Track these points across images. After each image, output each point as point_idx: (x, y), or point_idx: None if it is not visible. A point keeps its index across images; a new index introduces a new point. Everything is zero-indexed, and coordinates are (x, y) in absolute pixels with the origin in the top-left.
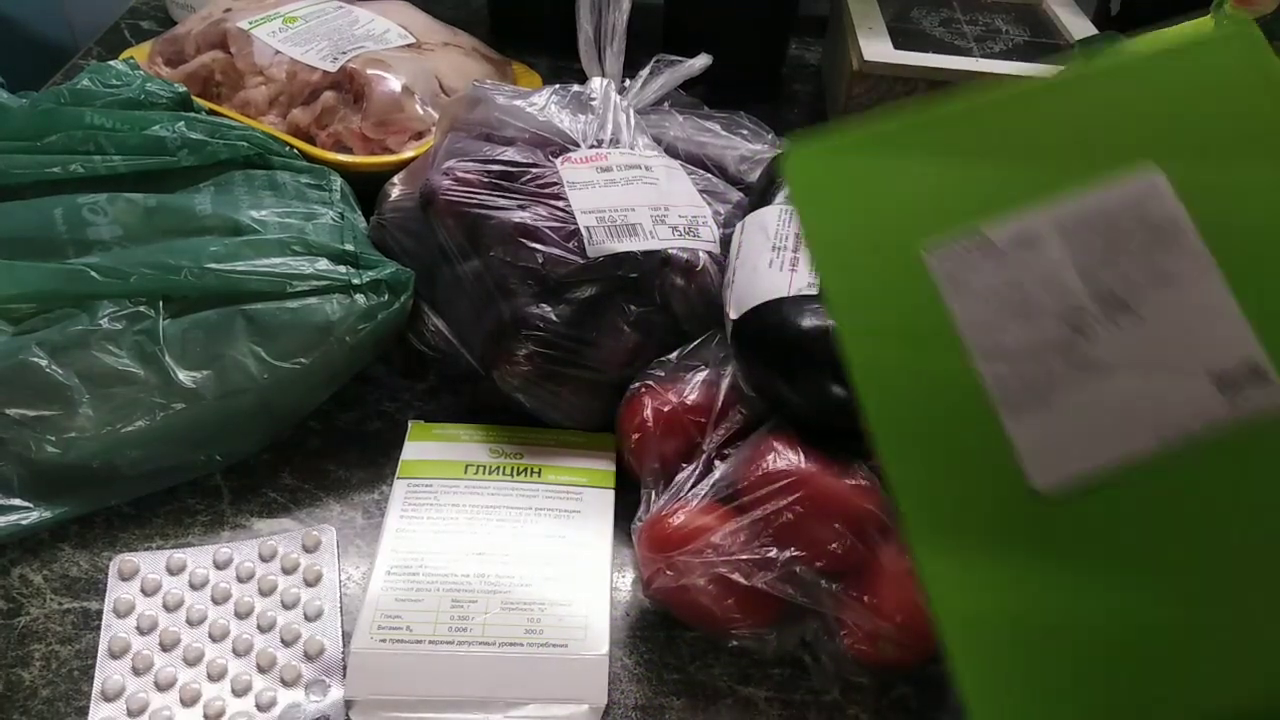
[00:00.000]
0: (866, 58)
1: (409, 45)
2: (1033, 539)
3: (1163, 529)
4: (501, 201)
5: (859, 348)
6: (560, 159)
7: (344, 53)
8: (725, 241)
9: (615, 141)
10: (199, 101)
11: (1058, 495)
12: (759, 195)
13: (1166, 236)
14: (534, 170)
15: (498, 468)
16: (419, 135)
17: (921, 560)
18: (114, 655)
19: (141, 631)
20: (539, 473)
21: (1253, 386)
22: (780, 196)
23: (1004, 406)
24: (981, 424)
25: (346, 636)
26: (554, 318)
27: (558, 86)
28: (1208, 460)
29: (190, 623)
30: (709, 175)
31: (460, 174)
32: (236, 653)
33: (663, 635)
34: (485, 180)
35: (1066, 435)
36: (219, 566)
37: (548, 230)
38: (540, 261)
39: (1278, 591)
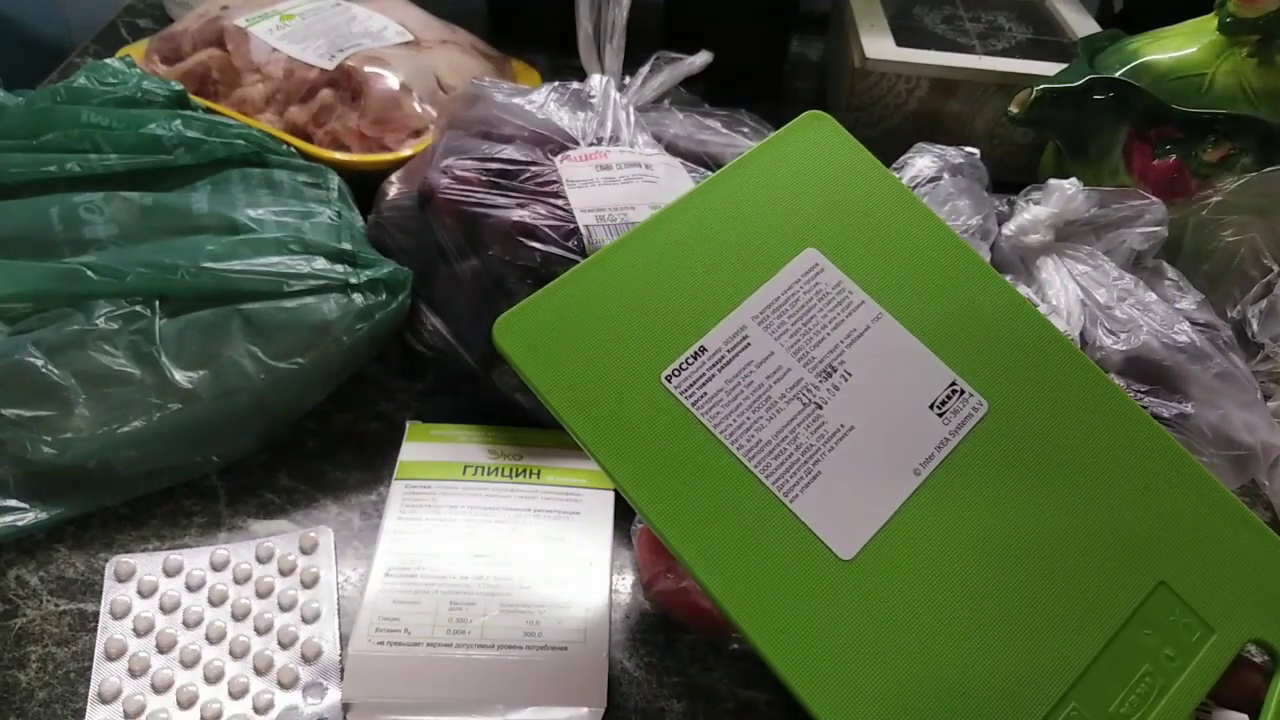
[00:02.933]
0: (868, 55)
1: (407, 43)
2: (851, 600)
3: (943, 552)
4: (500, 200)
5: (644, 496)
6: (559, 157)
7: (341, 50)
8: None
9: (615, 139)
10: (196, 99)
11: (862, 558)
12: None
13: (840, 300)
14: (533, 168)
15: (496, 469)
16: (417, 133)
17: (761, 647)
18: (111, 657)
19: (138, 633)
20: (538, 474)
21: (958, 400)
22: None
23: (785, 495)
24: (779, 517)
25: (344, 639)
26: None
27: (557, 84)
28: (958, 477)
29: (187, 624)
30: (710, 173)
31: (459, 172)
32: (234, 655)
33: (663, 638)
34: (484, 178)
35: (846, 502)
36: (216, 568)
37: (547, 229)
38: (539, 260)
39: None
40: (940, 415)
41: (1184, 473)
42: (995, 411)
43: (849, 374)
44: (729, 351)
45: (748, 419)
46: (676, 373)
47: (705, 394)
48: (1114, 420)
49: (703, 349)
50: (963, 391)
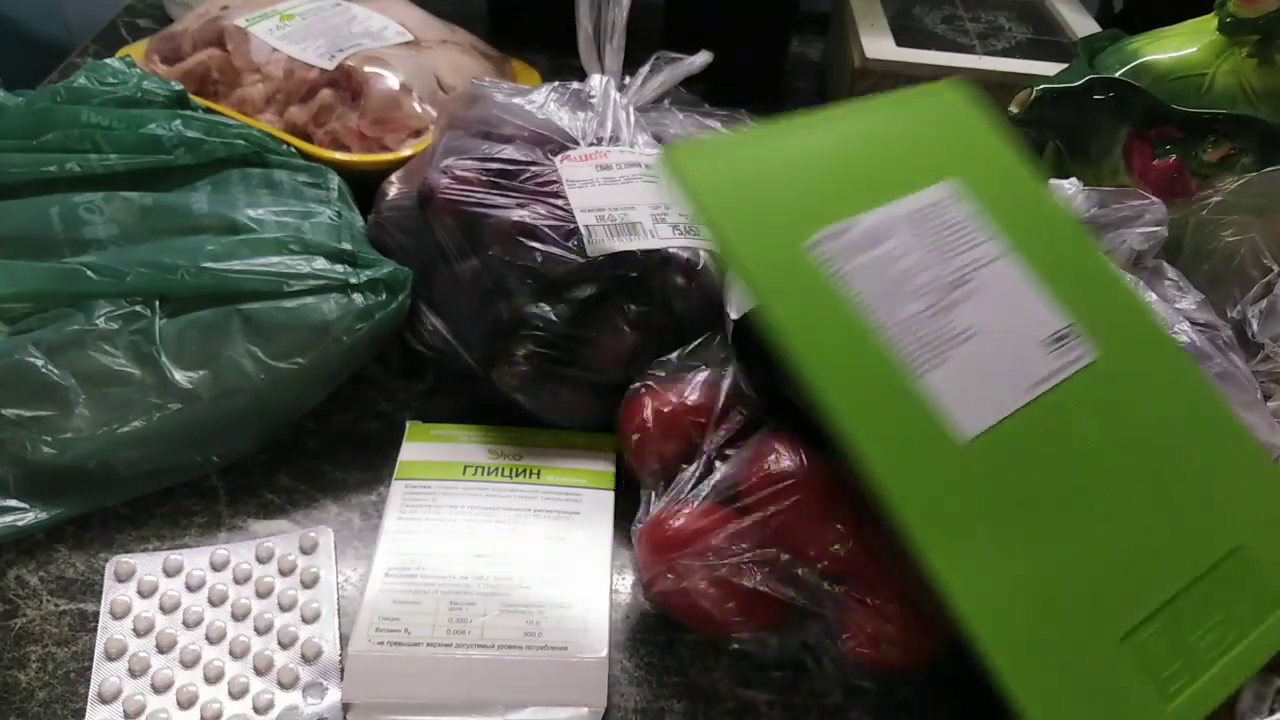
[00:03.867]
0: (868, 55)
1: (407, 43)
2: (968, 503)
3: (1045, 467)
4: (500, 200)
5: (791, 329)
6: (559, 157)
7: (341, 50)
8: None
9: (615, 139)
10: (196, 99)
11: (974, 442)
12: None
13: (972, 231)
14: (533, 168)
15: (496, 469)
16: (417, 133)
17: (885, 491)
18: (111, 657)
19: (138, 633)
20: (538, 474)
21: (1071, 342)
22: None
23: (922, 368)
24: (906, 390)
25: (344, 639)
26: (553, 317)
27: (557, 84)
28: (1063, 406)
29: (187, 624)
30: None
31: (458, 172)
32: (234, 655)
33: (663, 638)
34: (484, 178)
35: (967, 390)
36: (216, 568)
37: (547, 229)
38: (539, 260)
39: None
40: (1053, 350)
41: (1258, 464)
42: (1101, 363)
43: (976, 291)
44: (871, 240)
45: (885, 298)
46: (827, 243)
47: (848, 266)
48: (1197, 399)
49: (847, 228)
50: (1077, 336)
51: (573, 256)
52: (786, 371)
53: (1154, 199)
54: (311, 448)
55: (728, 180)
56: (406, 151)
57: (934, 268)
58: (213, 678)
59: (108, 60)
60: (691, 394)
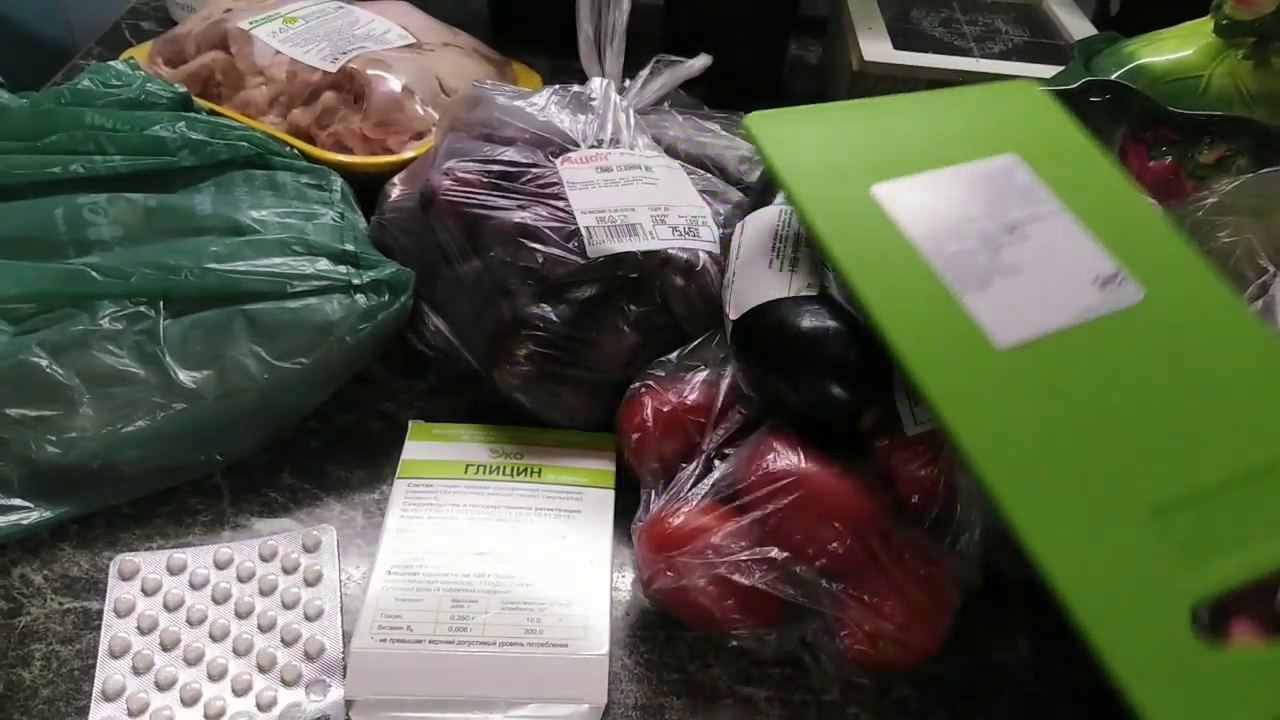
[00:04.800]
0: (866, 58)
1: (409, 45)
2: (996, 396)
3: (1084, 374)
4: (501, 201)
5: (850, 259)
6: (560, 159)
7: (344, 53)
8: (725, 241)
9: (615, 142)
10: (199, 102)
11: (1010, 352)
12: (759, 195)
13: (1030, 193)
14: (534, 170)
15: (498, 468)
16: (419, 135)
17: (933, 400)
18: (114, 655)
19: (142, 631)
20: (539, 473)
21: (1120, 283)
22: (781, 197)
23: (959, 289)
24: (947, 304)
25: (347, 636)
26: (554, 318)
27: (558, 87)
28: (1099, 331)
29: (190, 622)
30: (709, 175)
31: (460, 174)
32: (237, 652)
33: (662, 635)
34: (485, 180)
35: (1007, 311)
36: (219, 566)
37: (548, 230)
38: (540, 261)
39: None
40: (1101, 288)
41: None
42: (1150, 301)
43: (1028, 238)
44: (927, 191)
45: (934, 236)
46: (887, 188)
47: (910, 203)
48: (1245, 331)
49: (907, 182)
50: (1125, 278)
51: (573, 257)
52: (785, 371)
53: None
54: (314, 447)
55: (797, 138)
56: (409, 153)
57: (986, 219)
58: (216, 675)
59: (112, 62)
60: (691, 393)
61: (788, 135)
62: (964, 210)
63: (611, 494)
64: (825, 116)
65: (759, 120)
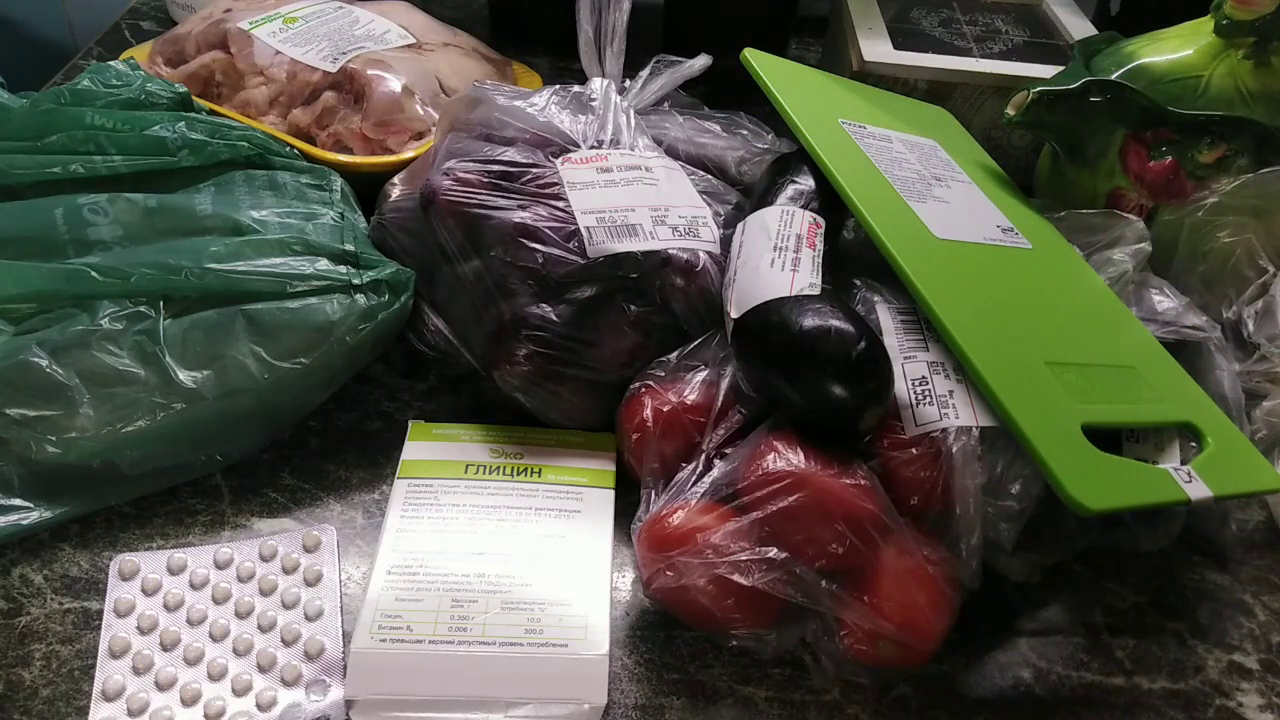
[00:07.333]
0: (866, 58)
1: (409, 45)
2: (938, 262)
3: (994, 272)
4: (502, 202)
5: (829, 155)
6: (560, 159)
7: (344, 53)
8: (725, 242)
9: (615, 142)
10: (199, 102)
11: (945, 241)
12: (759, 196)
13: (949, 165)
14: (534, 170)
15: (498, 468)
16: (419, 135)
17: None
18: (114, 655)
19: (142, 631)
20: (539, 473)
21: (1015, 234)
22: (781, 197)
23: (905, 195)
24: (898, 201)
25: (347, 636)
26: (554, 318)
27: (558, 87)
28: (1004, 255)
29: (190, 622)
30: (709, 176)
31: (460, 174)
32: (237, 652)
33: (662, 635)
34: (485, 180)
35: (940, 219)
36: (219, 566)
37: (548, 230)
38: (540, 261)
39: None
40: (1004, 234)
41: (1129, 318)
42: (1034, 251)
43: (951, 186)
44: (880, 137)
45: (889, 162)
46: (850, 124)
47: (866, 139)
48: (1093, 280)
49: (865, 126)
50: (1018, 234)
51: (573, 257)
52: (786, 370)
53: (1132, 218)
54: (315, 447)
55: (785, 72)
56: (409, 154)
57: (920, 166)
58: (216, 675)
59: (112, 62)
60: (691, 393)
61: (777, 69)
62: (903, 156)
63: (611, 494)
64: (803, 71)
65: (756, 54)
